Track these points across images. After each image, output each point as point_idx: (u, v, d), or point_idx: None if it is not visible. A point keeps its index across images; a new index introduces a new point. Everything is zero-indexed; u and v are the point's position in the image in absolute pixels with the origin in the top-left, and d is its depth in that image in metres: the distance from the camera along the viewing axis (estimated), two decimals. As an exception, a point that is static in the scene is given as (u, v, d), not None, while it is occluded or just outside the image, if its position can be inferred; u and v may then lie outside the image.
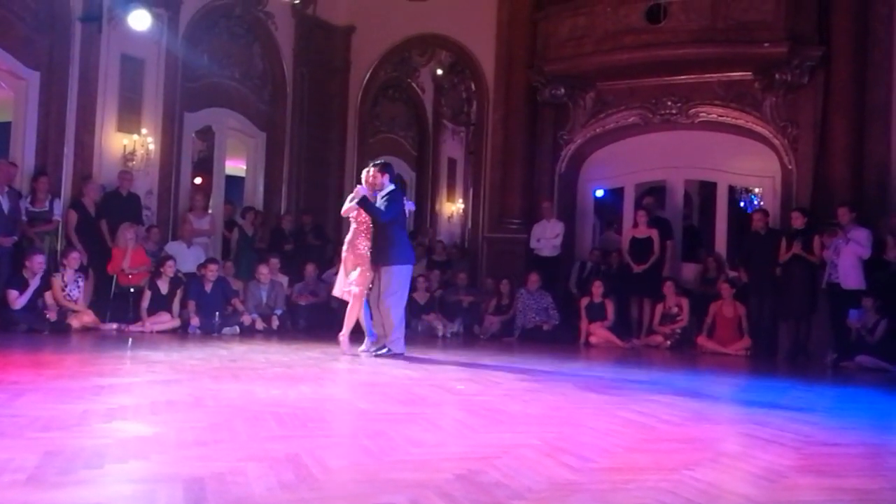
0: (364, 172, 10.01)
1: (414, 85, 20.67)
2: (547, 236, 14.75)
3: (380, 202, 9.61)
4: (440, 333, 13.85)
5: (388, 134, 20.58)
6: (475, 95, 18.13)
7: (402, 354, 9.61)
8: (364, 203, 9.55)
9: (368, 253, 9.67)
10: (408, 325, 14.08)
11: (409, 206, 10.63)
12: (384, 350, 9.62)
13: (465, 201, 21.37)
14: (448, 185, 22.01)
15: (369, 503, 3.29)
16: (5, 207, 11.47)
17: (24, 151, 12.63)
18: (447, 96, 21.53)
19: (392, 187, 9.86)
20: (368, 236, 9.70)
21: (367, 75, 17.70)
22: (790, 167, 13.76)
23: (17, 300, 11.09)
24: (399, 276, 9.69)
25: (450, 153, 22.09)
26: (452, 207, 22.02)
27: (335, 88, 17.62)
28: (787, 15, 13.17)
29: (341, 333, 9.77)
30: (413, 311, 14.41)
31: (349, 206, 9.70)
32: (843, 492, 3.94)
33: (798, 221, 12.48)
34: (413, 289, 14.53)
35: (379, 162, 10.48)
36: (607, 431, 5.19)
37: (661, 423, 5.63)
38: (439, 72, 20.61)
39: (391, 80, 19.54)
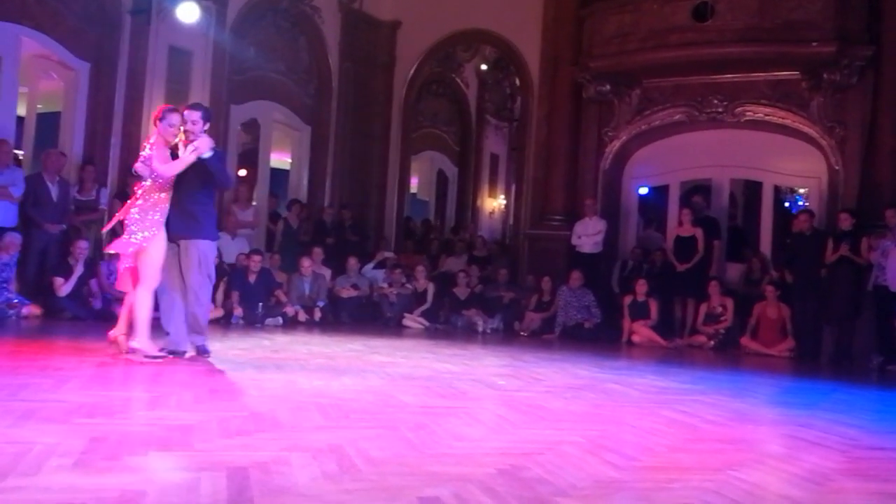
0: (167, 113, 7.57)
1: (458, 80, 20.68)
2: (588, 233, 14.65)
3: (191, 155, 7.29)
4: (480, 329, 13.85)
5: (431, 129, 20.62)
6: (519, 91, 18.12)
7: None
8: (214, 161, 7.41)
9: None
10: (448, 321, 14.27)
11: None
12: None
13: (507, 197, 21.35)
14: (490, 181, 22.00)
15: (413, 496, 3.29)
16: (55, 196, 11.67)
17: (73, 141, 12.81)
18: (491, 92, 21.53)
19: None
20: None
21: (412, 70, 17.71)
22: (837, 168, 13.57)
23: (63, 287, 11.22)
24: (212, 254, 7.74)
25: (492, 149, 22.08)
26: (494, 203, 22.00)
27: (380, 83, 17.65)
28: (835, 14, 12.95)
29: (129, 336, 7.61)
30: (453, 306, 14.46)
31: (184, 159, 7.30)
32: (891, 497, 3.90)
33: (846, 223, 12.31)
34: (453, 284, 14.64)
35: (199, 104, 8.10)
36: (650, 430, 5.16)
37: (705, 423, 5.59)
38: (483, 67, 20.60)
39: (435, 76, 19.58)
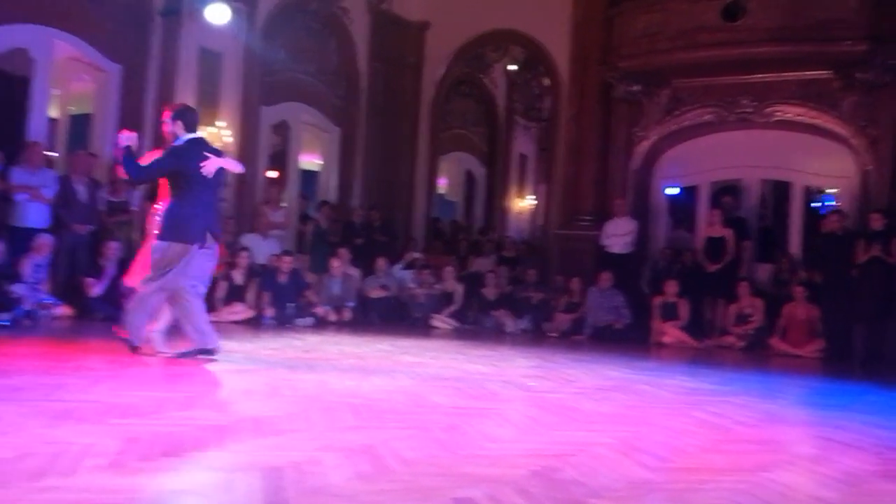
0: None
1: (486, 81, 20.66)
2: (618, 233, 14.61)
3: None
4: (509, 330, 13.85)
5: (459, 130, 20.60)
6: (548, 91, 18.07)
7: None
8: (124, 155, 7.26)
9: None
10: (476, 322, 14.25)
11: (228, 166, 7.68)
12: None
13: (536, 197, 21.30)
14: (518, 181, 21.93)
15: (446, 497, 3.29)
16: (83, 197, 11.74)
17: (104, 143, 12.90)
18: (520, 92, 21.46)
19: (189, 137, 7.43)
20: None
21: (441, 71, 17.73)
22: (868, 168, 13.48)
23: (94, 288, 11.30)
24: (159, 254, 7.20)
25: (521, 149, 22.01)
26: (522, 204, 21.95)
27: (408, 84, 17.67)
28: (869, 12, 12.87)
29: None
30: (482, 307, 14.45)
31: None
32: (927, 500, 3.87)
33: (878, 223, 12.19)
34: (482, 284, 14.63)
35: (177, 104, 8.11)
36: (682, 431, 5.15)
37: (736, 424, 5.57)
38: (512, 67, 20.56)
39: (464, 76, 19.55)
